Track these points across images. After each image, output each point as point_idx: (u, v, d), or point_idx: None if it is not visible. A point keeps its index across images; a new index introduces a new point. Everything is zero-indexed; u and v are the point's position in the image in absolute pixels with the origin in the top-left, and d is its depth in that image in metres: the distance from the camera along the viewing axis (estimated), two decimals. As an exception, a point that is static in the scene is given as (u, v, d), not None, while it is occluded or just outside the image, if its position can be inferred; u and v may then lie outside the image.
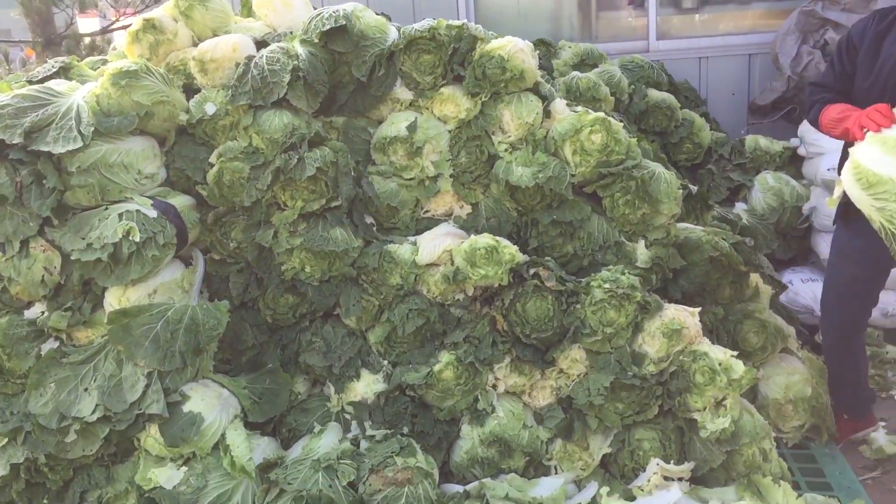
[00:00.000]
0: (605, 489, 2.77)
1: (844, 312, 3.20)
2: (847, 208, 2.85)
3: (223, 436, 2.81)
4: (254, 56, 3.25)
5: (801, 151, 4.79)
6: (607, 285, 2.96)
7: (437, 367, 3.01)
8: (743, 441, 2.86)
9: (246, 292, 3.19)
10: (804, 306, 4.45)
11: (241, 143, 3.18)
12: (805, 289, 4.51)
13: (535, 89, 3.40)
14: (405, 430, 3.01)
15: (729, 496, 2.77)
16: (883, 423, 3.65)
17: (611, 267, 3.11)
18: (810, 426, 3.33)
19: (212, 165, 3.17)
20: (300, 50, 3.27)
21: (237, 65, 3.25)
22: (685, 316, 2.99)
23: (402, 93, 3.42)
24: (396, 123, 3.34)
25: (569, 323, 2.99)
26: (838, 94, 2.95)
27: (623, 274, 3.03)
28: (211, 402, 2.84)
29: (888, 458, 3.37)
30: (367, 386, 3.08)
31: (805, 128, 4.77)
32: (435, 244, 3.14)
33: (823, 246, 4.51)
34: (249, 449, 2.77)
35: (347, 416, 3.09)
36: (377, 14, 3.55)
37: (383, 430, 2.98)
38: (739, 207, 4.78)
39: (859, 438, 3.44)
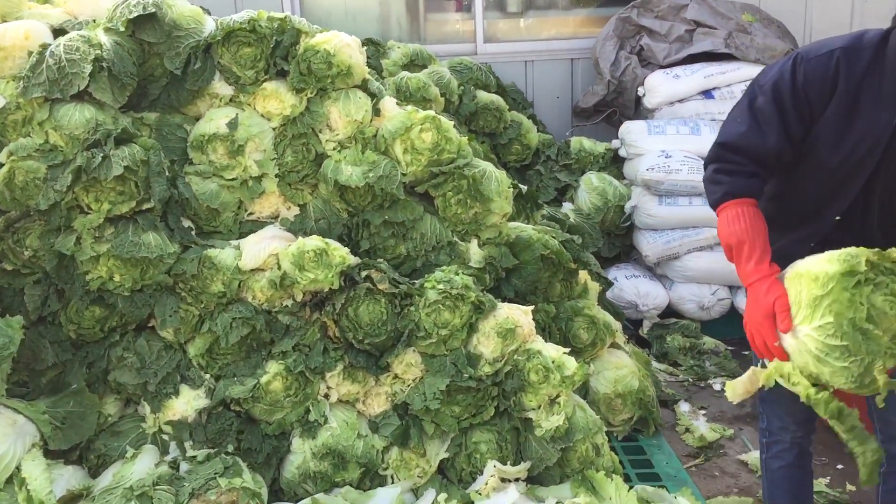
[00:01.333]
0: (442, 496, 2.70)
1: None
2: None
3: (18, 468, 2.48)
4: (49, 44, 2.93)
5: (622, 153, 4.98)
6: (441, 286, 2.90)
7: (264, 379, 2.82)
8: (577, 437, 2.87)
9: (44, 306, 2.86)
10: (629, 302, 4.61)
11: (35, 139, 2.85)
12: (629, 285, 4.68)
13: (364, 86, 3.28)
14: (230, 448, 2.79)
15: (564, 493, 2.77)
16: (703, 412, 3.84)
17: (444, 267, 3.05)
18: (638, 418, 3.42)
19: (1, 165, 2.82)
20: (104, 39, 2.99)
21: (30, 53, 2.93)
22: (519, 315, 2.98)
23: (222, 87, 3.20)
24: (215, 120, 3.12)
25: (403, 326, 2.90)
26: (762, 168, 2.15)
27: (457, 274, 2.97)
28: (3, 431, 2.50)
29: (709, 444, 3.53)
30: (187, 403, 2.84)
31: (625, 129, 4.96)
32: (260, 248, 2.95)
33: (645, 243, 4.70)
34: (49, 481, 2.47)
35: (165, 437, 2.83)
36: (193, 5, 3.31)
37: (206, 449, 2.76)
38: (567, 207, 4.90)
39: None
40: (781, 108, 2.09)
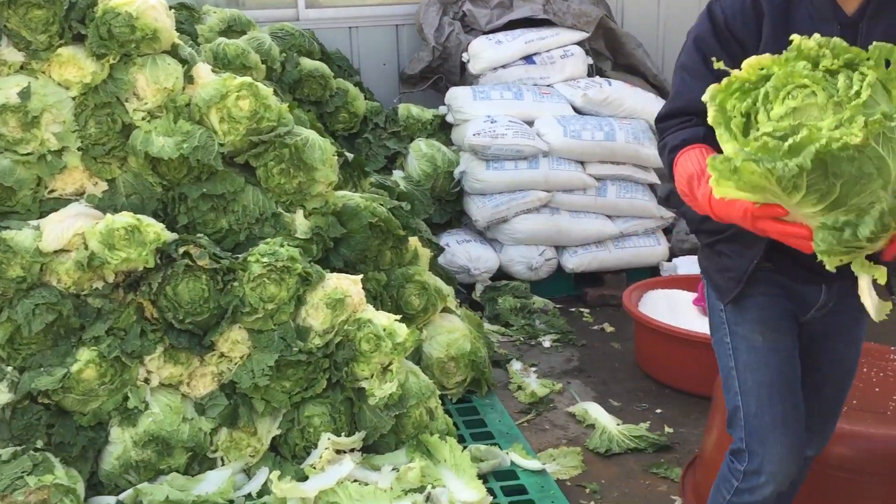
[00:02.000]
0: (275, 473, 2.63)
1: (793, 409, 1.93)
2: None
3: None
4: None
5: (449, 119, 5.02)
6: (266, 259, 2.80)
7: (75, 368, 2.63)
8: (410, 403, 2.89)
9: None
10: (461, 266, 4.68)
11: None
12: (461, 250, 4.74)
13: (174, 52, 3.10)
14: (40, 443, 2.59)
15: (400, 459, 2.79)
16: (534, 369, 3.97)
17: (269, 240, 2.95)
18: (471, 380, 3.48)
19: None
20: None
21: None
22: (348, 284, 2.94)
23: (11, 54, 2.92)
24: (5, 89, 2.85)
25: (227, 302, 2.79)
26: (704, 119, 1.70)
27: (282, 246, 2.89)
28: None
29: (540, 400, 3.65)
30: (-13, 399, 2.61)
31: (451, 95, 5.00)
32: (63, 227, 2.73)
33: (474, 208, 4.77)
34: None
35: (-36, 439, 2.59)
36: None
37: (11, 447, 2.54)
38: (397, 175, 4.88)
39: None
40: (706, 55, 1.83)
